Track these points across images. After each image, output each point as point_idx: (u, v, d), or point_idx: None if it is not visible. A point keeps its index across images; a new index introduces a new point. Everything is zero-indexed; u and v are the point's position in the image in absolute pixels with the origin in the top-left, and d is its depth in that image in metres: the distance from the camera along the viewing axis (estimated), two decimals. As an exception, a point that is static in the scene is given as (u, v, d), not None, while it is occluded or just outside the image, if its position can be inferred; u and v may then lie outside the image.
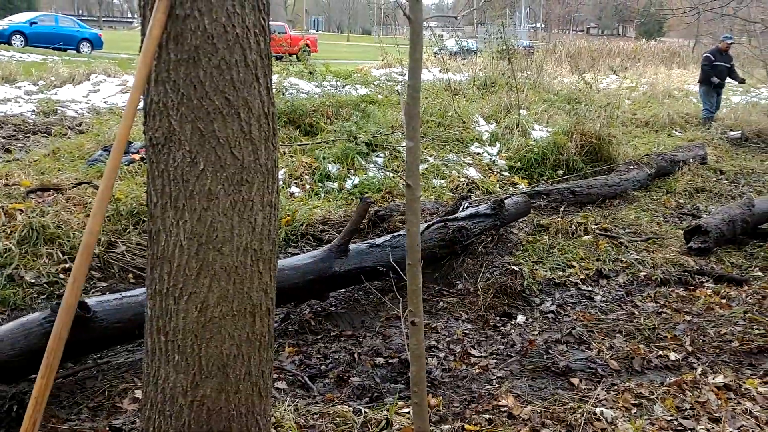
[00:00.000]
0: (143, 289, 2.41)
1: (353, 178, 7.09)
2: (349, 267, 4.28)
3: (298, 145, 7.57)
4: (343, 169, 7.19)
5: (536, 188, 7.40)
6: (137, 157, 6.40)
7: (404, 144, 1.68)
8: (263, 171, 2.00)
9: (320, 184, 6.85)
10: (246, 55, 1.88)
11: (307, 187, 6.76)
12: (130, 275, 4.52)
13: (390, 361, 3.69)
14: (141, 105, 1.92)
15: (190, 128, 1.86)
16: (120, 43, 26.33)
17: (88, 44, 23.50)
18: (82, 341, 3.12)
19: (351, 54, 30.20)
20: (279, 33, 21.93)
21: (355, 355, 3.73)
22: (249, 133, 1.94)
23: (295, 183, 6.78)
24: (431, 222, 5.02)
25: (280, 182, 6.58)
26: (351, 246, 4.37)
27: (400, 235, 4.68)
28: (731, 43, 13.57)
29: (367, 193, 6.78)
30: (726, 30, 18.72)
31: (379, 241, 4.61)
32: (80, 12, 68.63)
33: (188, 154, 1.87)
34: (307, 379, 3.44)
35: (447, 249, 4.94)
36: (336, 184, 6.91)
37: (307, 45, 25.00)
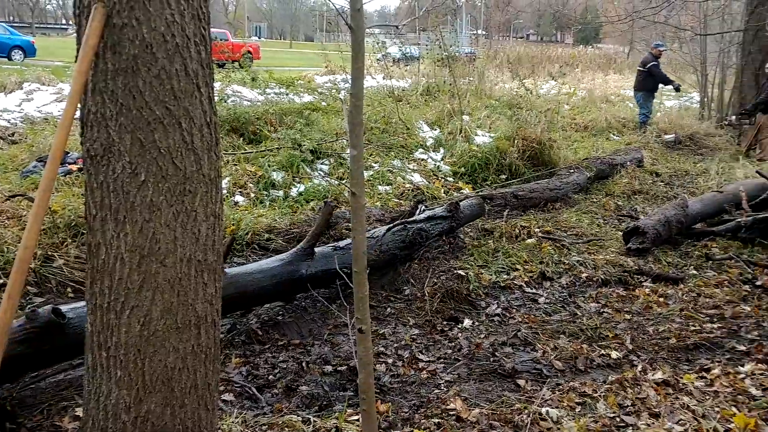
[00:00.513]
0: None
1: (298, 185, 7.06)
2: (316, 269, 4.39)
3: (242, 153, 7.49)
4: (288, 176, 7.15)
5: (480, 193, 7.51)
6: (74, 167, 6.23)
7: (349, 151, 1.69)
8: (206, 181, 1.97)
9: (265, 193, 6.80)
10: (187, 65, 1.86)
11: (252, 195, 6.69)
12: (69, 289, 4.39)
13: (339, 368, 3.68)
14: (78, 115, 1.88)
15: (129, 139, 1.82)
16: (54, 51, 25.52)
17: (20, 51, 22.65)
18: (59, 347, 3.15)
19: (294, 61, 30.04)
20: (221, 40, 21.62)
21: (304, 364, 3.71)
22: (191, 143, 1.91)
23: (240, 192, 6.70)
24: (392, 225, 5.16)
25: (224, 191, 6.50)
26: (316, 249, 4.46)
27: None
28: (663, 50, 14.07)
29: (313, 200, 6.76)
30: (658, 37, 19.41)
31: (342, 243, 4.72)
32: (11, 18, 66.14)
33: (128, 165, 1.83)
34: (254, 390, 3.40)
35: (407, 250, 5.10)
36: (281, 192, 6.87)
37: (249, 52, 24.74)
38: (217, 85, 10.09)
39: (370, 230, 5.16)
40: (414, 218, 5.38)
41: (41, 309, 3.11)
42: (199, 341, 2.04)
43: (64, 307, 3.21)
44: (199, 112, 1.92)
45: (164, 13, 1.79)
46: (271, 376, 3.58)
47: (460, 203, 5.76)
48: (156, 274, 1.92)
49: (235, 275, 3.99)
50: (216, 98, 8.99)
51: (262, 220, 5.94)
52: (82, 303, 3.30)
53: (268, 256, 4.93)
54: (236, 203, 6.44)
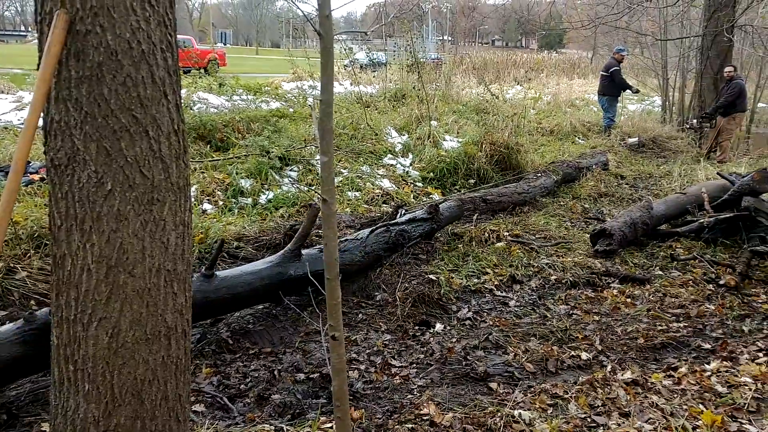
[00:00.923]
0: None
1: (267, 193, 7.01)
2: (304, 271, 4.41)
3: (210, 161, 7.41)
4: (256, 184, 7.09)
5: (449, 198, 7.54)
6: (36, 177, 6.09)
7: (318, 158, 1.68)
8: (175, 189, 1.95)
9: (233, 200, 6.73)
10: (153, 72, 1.83)
11: (220, 203, 6.63)
12: (32, 302, 4.29)
13: (311, 376, 3.66)
14: (41, 123, 1.84)
15: (95, 147, 1.79)
16: (13, 58, 24.92)
17: (-22, 59, 22.14)
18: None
19: (260, 67, 29.88)
20: (186, 46, 21.39)
21: (276, 372, 3.68)
22: (159, 152, 1.88)
23: (208, 200, 6.63)
24: (375, 227, 5.34)
25: (192, 199, 6.42)
26: (303, 251, 4.55)
27: (346, 239, 5.03)
28: (625, 55, 14.36)
29: (282, 207, 6.72)
30: (621, 42, 19.79)
31: None
32: (-31, 25, 64.73)
33: (94, 174, 1.80)
34: (226, 399, 3.36)
35: (391, 251, 5.30)
36: (250, 200, 6.81)
37: (215, 58, 24.52)
38: (183, 92, 9.97)
39: (352, 233, 5.27)
40: (396, 220, 5.61)
41: (39, 311, 3.18)
42: (170, 352, 2.01)
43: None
44: (166, 119, 1.89)
45: (129, 20, 1.76)
46: (242, 386, 3.54)
47: (440, 205, 5.94)
48: (124, 285, 1.88)
49: (225, 278, 4.03)
50: (182, 105, 8.84)
51: (231, 228, 5.89)
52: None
53: (238, 264, 4.89)
54: (204, 211, 6.37)
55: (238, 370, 3.72)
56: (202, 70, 18.91)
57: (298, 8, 2.48)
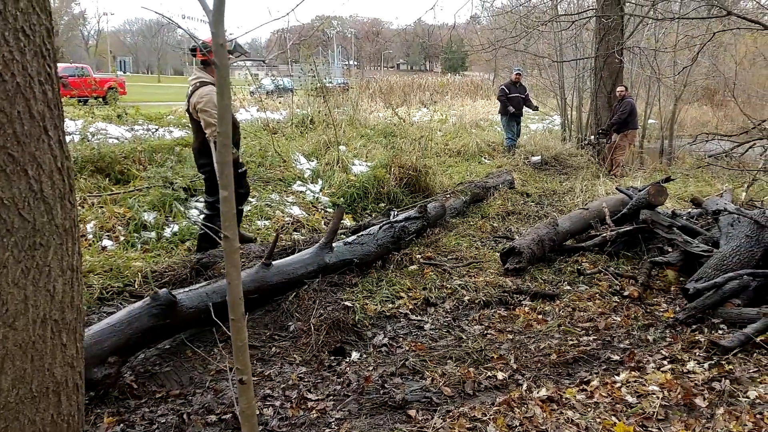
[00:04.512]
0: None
1: (173, 225, 6.75)
2: (335, 260, 5.50)
3: (108, 194, 7.08)
4: (160, 217, 6.81)
5: (360, 224, 7.50)
6: None
7: (219, 192, 1.58)
8: (60, 232, 1.80)
9: (136, 235, 6.43)
10: (30, 106, 1.69)
11: (122, 239, 6.32)
12: None
13: (223, 417, 3.49)
14: None
15: (-35, 190, 1.63)
16: None
17: None
18: (174, 323, 4.14)
19: (163, 96, 29.12)
20: (83, 75, 20.55)
21: (185, 416, 3.49)
22: (40, 192, 1.74)
23: (108, 236, 6.31)
24: (381, 224, 6.32)
25: (91, 236, 6.09)
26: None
27: (362, 234, 6.02)
28: (519, 73, 14.90)
29: (188, 240, 6.48)
30: (519, 64, 20.55)
31: (350, 239, 5.92)
32: None
33: (-35, 219, 1.63)
34: (131, 450, 3.16)
35: (395, 244, 6.28)
36: (154, 234, 6.53)
37: (114, 87, 23.67)
38: (80, 122, 9.53)
39: (367, 231, 6.20)
40: (395, 219, 6.57)
41: (161, 290, 4.05)
42: (60, 409, 1.84)
43: (174, 291, 4.22)
44: (48, 157, 1.75)
45: (1, 51, 1.62)
46: (149, 434, 3.34)
47: (428, 206, 7.19)
48: (4, 339, 1.71)
49: (279, 266, 5.05)
50: (78, 137, 8.35)
51: (135, 264, 5.61)
52: (189, 288, 4.46)
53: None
54: (104, 248, 6.06)
55: (143, 417, 3.50)
56: (101, 99, 18.22)
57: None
